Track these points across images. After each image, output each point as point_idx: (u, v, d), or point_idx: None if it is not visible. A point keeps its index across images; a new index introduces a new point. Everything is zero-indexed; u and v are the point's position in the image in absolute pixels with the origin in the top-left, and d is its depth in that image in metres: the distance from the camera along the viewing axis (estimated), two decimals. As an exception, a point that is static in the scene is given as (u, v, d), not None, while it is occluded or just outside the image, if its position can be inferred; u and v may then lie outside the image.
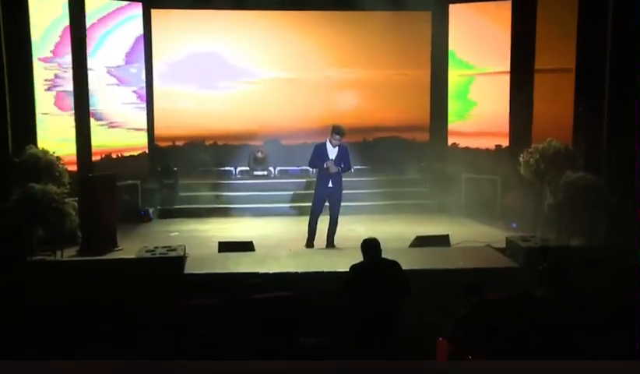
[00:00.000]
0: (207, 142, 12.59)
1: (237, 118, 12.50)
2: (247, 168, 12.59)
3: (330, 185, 8.35)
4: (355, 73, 12.56)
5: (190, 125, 12.38)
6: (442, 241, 8.49)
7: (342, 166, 8.42)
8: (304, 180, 11.76)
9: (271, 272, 7.16)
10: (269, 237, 9.43)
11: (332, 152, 8.33)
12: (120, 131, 11.00)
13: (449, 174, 11.34)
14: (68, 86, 9.57)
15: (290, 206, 11.21)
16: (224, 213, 11.09)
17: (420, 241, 8.43)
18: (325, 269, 7.26)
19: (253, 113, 12.51)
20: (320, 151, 8.31)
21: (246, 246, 8.14)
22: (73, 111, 9.68)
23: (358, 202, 11.33)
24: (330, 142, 8.29)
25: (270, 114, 12.48)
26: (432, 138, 12.46)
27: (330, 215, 8.47)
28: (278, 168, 12.56)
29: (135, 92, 11.22)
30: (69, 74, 9.53)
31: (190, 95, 12.43)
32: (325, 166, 8.28)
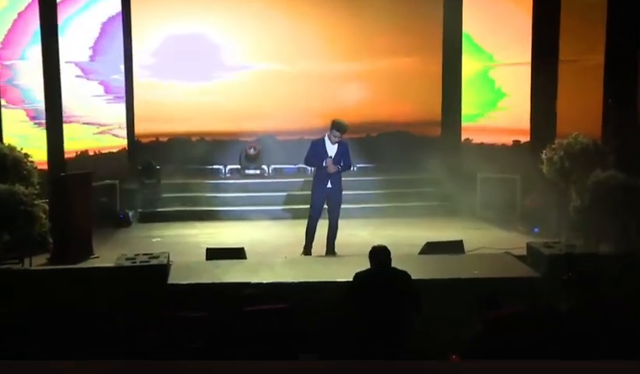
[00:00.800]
0: (194, 138, 12.57)
1: (227, 111, 12.50)
2: (238, 167, 12.57)
3: (329, 185, 8.36)
4: (357, 63, 12.59)
5: (175, 119, 12.37)
6: (455, 247, 8.47)
7: (341, 164, 8.40)
8: (302, 179, 11.75)
9: (265, 282, 7.18)
10: (263, 243, 9.45)
11: (331, 149, 8.33)
12: (93, 127, 11.02)
13: (463, 172, 11.34)
14: (20, 79, 9.56)
15: (286, 209, 11.21)
16: (212, 216, 11.09)
17: (431, 248, 8.42)
18: (325, 279, 7.25)
19: (245, 105, 12.50)
20: (318, 148, 8.31)
21: (237, 253, 8.13)
22: (28, 106, 9.65)
23: (361, 204, 11.32)
24: (329, 138, 8.28)
25: (264, 106, 12.46)
26: (444, 133, 12.45)
27: (329, 219, 8.48)
28: (272, 167, 12.55)
29: (108, 83, 11.22)
30: (21, 66, 9.53)
31: (175, 86, 12.42)
32: (323, 164, 8.24)
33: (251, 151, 12.44)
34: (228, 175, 12.55)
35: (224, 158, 12.50)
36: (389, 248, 5.92)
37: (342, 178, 8.65)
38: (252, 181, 12.12)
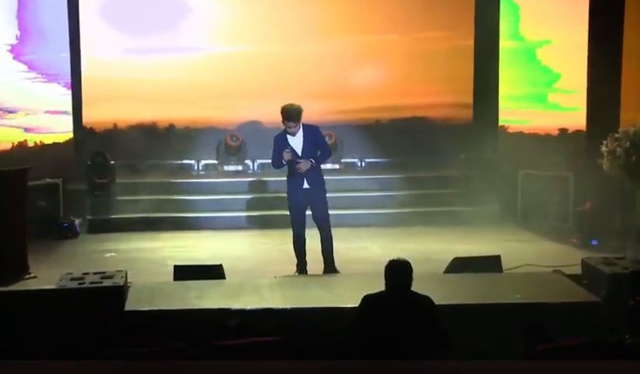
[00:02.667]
0: (160, 126, 12.61)
1: (202, 91, 12.50)
2: (216, 161, 12.58)
3: (305, 185, 8.41)
4: (364, 36, 12.64)
5: (136, 102, 12.39)
6: (491, 264, 8.45)
7: (314, 157, 8.37)
8: None
9: (249, 308, 7.18)
10: (246, 259, 9.49)
11: (296, 141, 8.37)
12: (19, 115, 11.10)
13: (501, 169, 11.36)
14: None
15: (276, 215, 11.10)
16: (182, 224, 11.11)
17: (460, 265, 8.40)
18: (327, 304, 7.22)
19: (225, 85, 12.52)
20: (280, 143, 8.38)
21: (213, 272, 8.14)
22: None
23: (370, 209, 11.31)
24: (286, 130, 8.31)
25: (249, 87, 12.48)
26: (476, 118, 12.51)
27: (318, 228, 8.51)
28: (258, 162, 12.57)
29: (44, 60, 11.23)
30: None
31: (136, 60, 12.42)
32: (283, 162, 8.31)
33: (232, 142, 12.44)
34: (202, 173, 12.56)
35: (197, 151, 12.51)
36: (407, 265, 5.93)
37: (330, 176, 8.76)
38: (233, 179, 12.12)
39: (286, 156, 8.30)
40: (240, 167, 12.48)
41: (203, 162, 12.63)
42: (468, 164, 11.74)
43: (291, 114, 8.25)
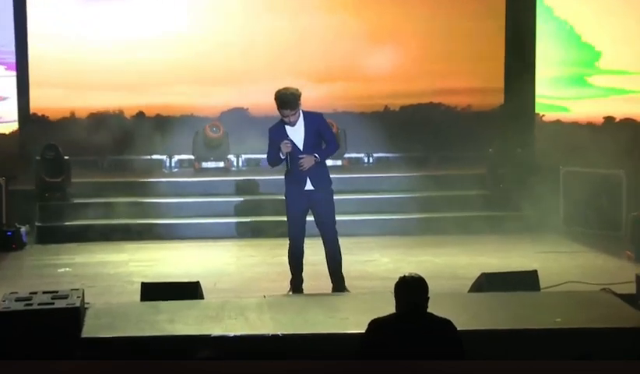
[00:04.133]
0: (127, 114, 12.64)
1: (177, 73, 12.50)
2: (192, 157, 12.61)
3: (308, 186, 8.34)
4: (374, 7, 12.70)
5: (98, 86, 12.40)
6: (526, 280, 8.39)
7: (318, 151, 8.33)
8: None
9: (233, 335, 7.08)
10: (229, 274, 9.49)
11: (297, 133, 8.31)
12: None
13: (537, 166, 11.36)
14: None
15: (265, 222, 11.21)
16: (152, 233, 11.13)
17: (489, 282, 8.31)
18: (327, 330, 7.13)
19: (204, 65, 12.52)
20: (277, 136, 8.33)
21: (189, 290, 8.08)
22: None
23: (380, 214, 11.31)
24: (283, 119, 8.27)
25: (233, 67, 12.49)
26: (507, 106, 12.53)
27: (322, 236, 8.46)
28: (244, 157, 12.61)
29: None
30: None
31: (99, 35, 12.43)
32: (281, 156, 8.24)
33: (212, 133, 12.45)
34: (176, 170, 12.58)
35: (170, 144, 12.54)
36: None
37: (331, 174, 8.55)
38: (213, 178, 12.11)
39: (285, 148, 8.21)
40: (221, 164, 12.48)
41: (177, 157, 12.65)
42: (497, 160, 11.72)
43: (287, 100, 8.13)
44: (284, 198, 8.47)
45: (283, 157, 8.24)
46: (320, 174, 8.35)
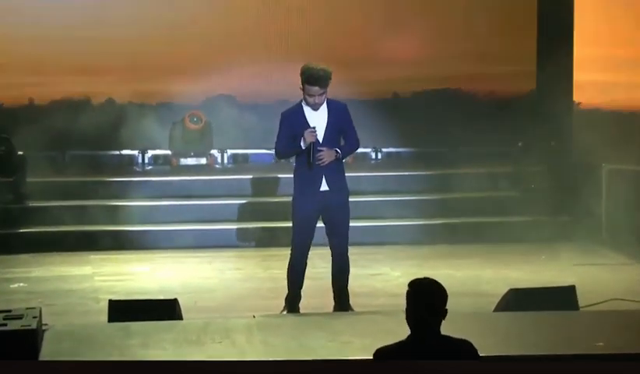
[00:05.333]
0: (94, 101, 12.67)
1: (151, 53, 12.54)
2: (169, 152, 12.68)
3: (324, 186, 8.36)
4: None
5: (59, 69, 12.43)
6: (562, 298, 8.41)
7: (338, 146, 8.37)
8: (282, 175, 11.69)
9: (216, 361, 6.85)
10: (212, 291, 9.54)
11: (317, 119, 8.32)
12: None
13: (575, 162, 11.39)
14: None
15: (254, 229, 11.26)
16: (121, 241, 11.15)
17: (518, 299, 8.32)
18: (325, 356, 7.09)
19: (183, 44, 12.57)
20: (293, 123, 8.32)
21: (165, 309, 8.19)
22: None
23: (388, 219, 11.35)
24: (307, 102, 8.24)
25: (216, 46, 12.55)
26: (540, 92, 12.52)
27: (332, 249, 8.49)
28: (229, 152, 12.70)
29: None
30: None
31: (60, 8, 12.47)
32: (302, 145, 8.22)
33: (193, 124, 12.49)
34: (150, 168, 12.64)
35: (143, 137, 12.55)
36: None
37: (347, 173, 8.59)
38: (193, 177, 12.12)
39: (310, 136, 8.15)
40: (203, 160, 12.53)
41: (151, 153, 12.71)
42: (528, 156, 11.75)
43: (317, 76, 8.12)
44: (292, 199, 8.49)
45: (303, 147, 8.20)
46: (338, 173, 8.37)
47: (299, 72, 8.24)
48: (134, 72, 12.52)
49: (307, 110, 8.25)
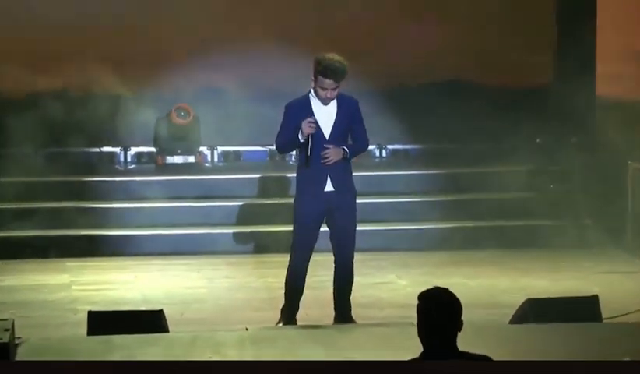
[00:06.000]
0: (71, 92, 12.59)
1: (133, 39, 12.51)
2: (153, 149, 12.68)
3: (329, 186, 8.41)
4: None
5: (32, 57, 12.36)
6: (584, 308, 8.44)
7: (346, 145, 8.42)
8: (278, 174, 11.81)
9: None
10: (201, 300, 9.56)
11: (325, 113, 8.38)
12: None
13: (598, 160, 11.36)
14: None
15: (246, 234, 11.29)
16: (101, 248, 11.17)
17: (536, 310, 8.33)
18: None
19: (167, 28, 12.53)
20: (299, 115, 8.35)
21: (149, 320, 8.19)
22: None
23: (394, 223, 11.38)
24: (317, 94, 8.29)
25: (205, 33, 12.53)
26: (558, 83, 12.47)
27: (336, 256, 8.55)
28: (220, 149, 12.69)
29: None
30: None
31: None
32: (300, 139, 8.25)
33: (180, 119, 12.46)
34: (132, 167, 12.62)
35: (125, 133, 12.56)
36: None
37: (353, 172, 8.62)
38: (180, 177, 12.13)
39: (308, 128, 8.18)
40: (191, 158, 12.49)
41: (134, 150, 12.67)
42: (546, 154, 11.73)
43: (334, 68, 8.18)
44: (294, 200, 8.52)
45: (301, 141, 8.22)
46: (344, 173, 8.42)
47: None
48: (115, 62, 12.46)
49: (314, 103, 8.31)
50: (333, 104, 8.33)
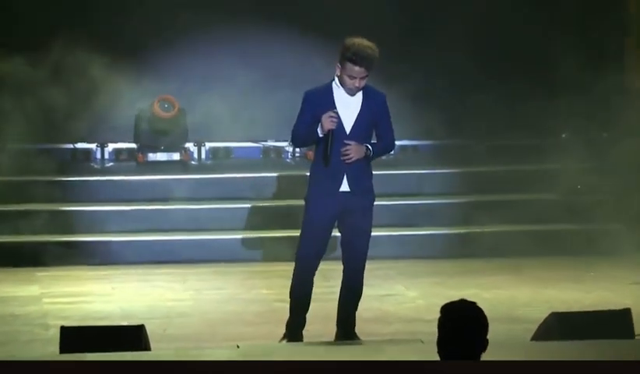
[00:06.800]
0: (40, 80, 12.29)
1: (111, 17, 12.50)
2: (134, 145, 12.70)
3: (344, 186, 8.46)
4: None
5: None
6: (615, 323, 8.44)
7: (371, 143, 8.47)
8: (276, 174, 11.83)
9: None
10: (187, 314, 9.56)
11: (349, 105, 8.42)
12: None
13: (632, 158, 11.36)
14: None
15: (240, 241, 11.29)
16: (75, 255, 11.16)
17: (562, 326, 8.30)
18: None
19: (151, 13, 12.48)
20: (320, 105, 8.37)
21: (129, 337, 8.15)
22: None
23: (403, 228, 11.44)
24: (342, 83, 8.30)
25: (191, 15, 12.49)
26: (587, 71, 12.23)
27: (345, 262, 8.60)
28: (209, 145, 12.74)
29: None
30: None
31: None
32: (319, 133, 8.27)
33: (164, 111, 12.46)
34: (110, 165, 12.65)
35: (102, 128, 12.58)
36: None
37: (372, 171, 8.63)
38: (164, 177, 12.13)
39: (329, 122, 8.18)
40: (176, 156, 12.51)
41: (112, 146, 12.68)
42: (573, 150, 11.71)
43: (365, 55, 8.20)
44: (304, 199, 8.51)
45: (320, 135, 8.24)
46: (363, 172, 8.45)
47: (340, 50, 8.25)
48: (90, 47, 12.42)
49: (337, 93, 8.32)
50: (358, 96, 8.36)
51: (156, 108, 12.45)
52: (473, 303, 5.57)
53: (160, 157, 12.56)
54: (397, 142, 12.61)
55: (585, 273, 10.54)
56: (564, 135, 11.78)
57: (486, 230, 11.45)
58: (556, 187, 11.77)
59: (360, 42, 8.24)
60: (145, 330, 8.06)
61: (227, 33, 12.44)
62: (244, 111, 12.30)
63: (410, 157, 12.83)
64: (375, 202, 11.25)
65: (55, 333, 8.07)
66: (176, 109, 12.45)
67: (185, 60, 12.58)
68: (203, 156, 12.69)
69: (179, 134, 12.56)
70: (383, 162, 12.45)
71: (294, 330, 8.46)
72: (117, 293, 10.22)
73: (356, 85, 8.20)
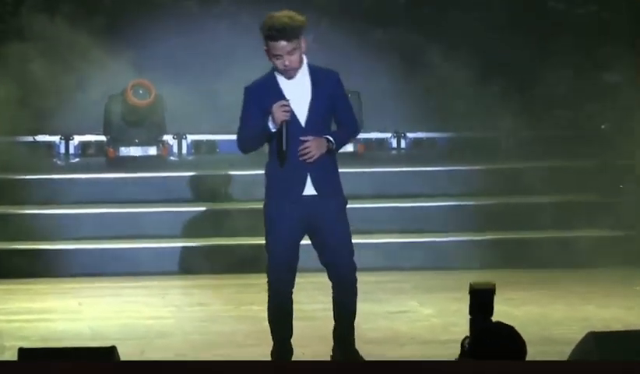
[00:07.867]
0: None
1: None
2: (104, 138, 12.75)
3: (308, 189, 8.48)
4: None
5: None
6: None
7: (329, 132, 8.45)
8: (264, 171, 11.74)
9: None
10: (165, 333, 9.61)
11: (297, 92, 8.43)
12: None
13: None
14: None
15: (224, 247, 11.34)
16: (34, 266, 11.19)
17: (601, 347, 8.19)
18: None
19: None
20: (265, 98, 8.39)
21: (98, 360, 7.99)
22: None
23: (416, 234, 11.46)
24: (277, 68, 8.34)
25: None
26: (628, 54, 12.48)
27: (331, 274, 8.59)
28: (190, 138, 12.86)
29: None
30: None
31: None
32: (271, 126, 8.27)
33: (138, 99, 12.47)
34: (76, 160, 12.73)
35: (68, 117, 12.66)
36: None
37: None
38: (139, 174, 12.20)
39: (281, 113, 8.15)
40: (153, 150, 12.56)
41: (78, 139, 12.76)
42: (615, 144, 11.74)
43: (279, 25, 8.14)
44: (263, 210, 8.52)
45: (273, 130, 8.22)
46: (328, 171, 8.42)
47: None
48: (54, 24, 12.50)
49: (281, 81, 8.28)
50: (305, 79, 8.34)
51: (130, 95, 12.44)
52: (511, 327, 5.59)
53: (134, 151, 12.61)
54: (409, 135, 12.83)
55: (628, 288, 10.57)
56: (603, 127, 11.75)
57: (512, 236, 11.56)
58: (594, 186, 11.85)
59: (275, 14, 8.24)
60: (118, 353, 8.06)
61: (212, 15, 12.48)
62: (230, 100, 12.29)
63: (425, 151, 12.89)
64: (384, 205, 11.25)
65: (12, 356, 7.99)
66: (152, 96, 12.45)
67: (164, 38, 12.61)
68: (184, 150, 12.81)
69: (156, 125, 12.60)
70: (396, 158, 12.45)
71: (280, 351, 8.47)
72: (85, 309, 10.25)
73: (286, 63, 8.17)
